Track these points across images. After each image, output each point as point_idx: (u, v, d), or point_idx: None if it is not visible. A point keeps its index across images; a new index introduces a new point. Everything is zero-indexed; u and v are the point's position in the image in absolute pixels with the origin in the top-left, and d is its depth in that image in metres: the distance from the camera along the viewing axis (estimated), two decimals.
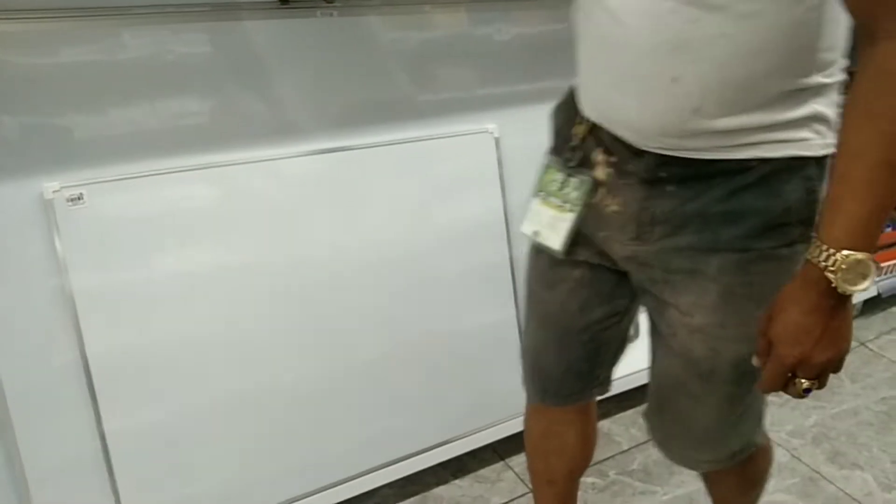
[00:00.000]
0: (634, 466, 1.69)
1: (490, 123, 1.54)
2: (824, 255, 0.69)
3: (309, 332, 1.41)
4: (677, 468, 1.66)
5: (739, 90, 0.75)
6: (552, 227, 0.95)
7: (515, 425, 1.67)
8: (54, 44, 1.15)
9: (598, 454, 1.72)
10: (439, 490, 1.63)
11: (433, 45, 1.47)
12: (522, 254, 1.60)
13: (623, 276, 0.97)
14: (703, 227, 0.83)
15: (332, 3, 1.33)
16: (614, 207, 0.89)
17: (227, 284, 1.32)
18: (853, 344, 2.18)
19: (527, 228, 1.00)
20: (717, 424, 0.97)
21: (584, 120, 0.90)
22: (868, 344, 2.24)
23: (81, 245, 1.19)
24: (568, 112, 0.94)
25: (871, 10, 0.67)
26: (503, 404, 1.65)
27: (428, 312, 1.53)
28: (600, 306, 1.00)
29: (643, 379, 1.80)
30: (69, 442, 1.26)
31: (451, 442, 1.59)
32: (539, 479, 1.25)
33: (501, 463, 1.70)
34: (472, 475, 1.67)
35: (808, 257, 0.71)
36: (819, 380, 0.75)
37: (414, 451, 1.55)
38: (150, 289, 1.26)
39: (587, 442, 1.20)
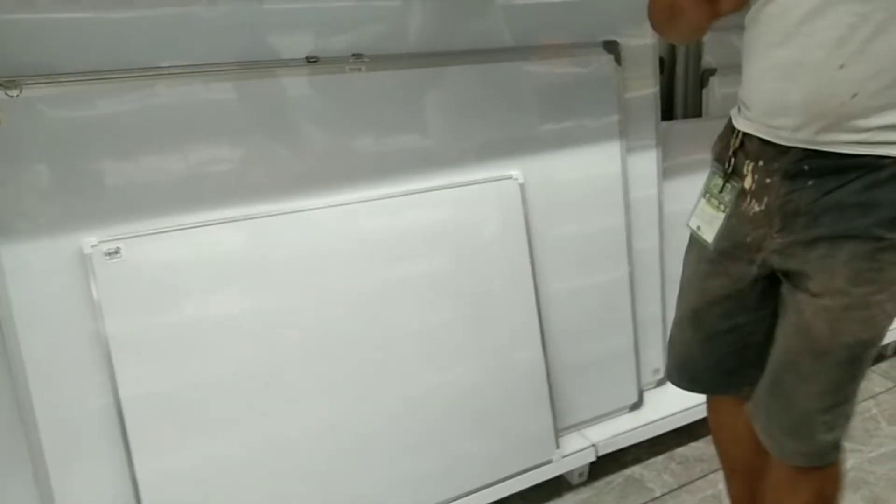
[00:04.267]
0: None
1: (514, 170, 1.57)
2: None
3: (335, 376, 1.42)
4: None
5: (892, 85, 0.89)
6: (709, 223, 1.12)
7: (543, 473, 1.66)
8: (93, 101, 1.20)
9: (630, 501, 1.70)
10: None
11: (456, 96, 1.51)
12: (547, 296, 1.62)
13: (768, 284, 1.09)
14: (839, 216, 0.96)
15: (360, 58, 1.37)
16: (758, 209, 1.04)
17: (258, 330, 1.34)
18: (888, 384, 2.15)
19: (692, 223, 1.17)
20: (815, 408, 1.04)
21: (738, 134, 1.06)
22: None
23: (117, 294, 1.22)
24: (727, 130, 1.12)
25: None
26: (530, 451, 1.64)
27: (453, 354, 1.53)
28: (745, 314, 1.14)
29: (674, 423, 1.81)
30: (102, 485, 1.27)
31: (480, 490, 1.57)
32: (725, 469, 1.40)
33: None
34: None
35: None
36: None
37: (443, 499, 1.54)
38: (183, 334, 1.28)
39: (733, 436, 1.31)
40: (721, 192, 1.11)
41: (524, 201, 1.57)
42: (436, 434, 1.53)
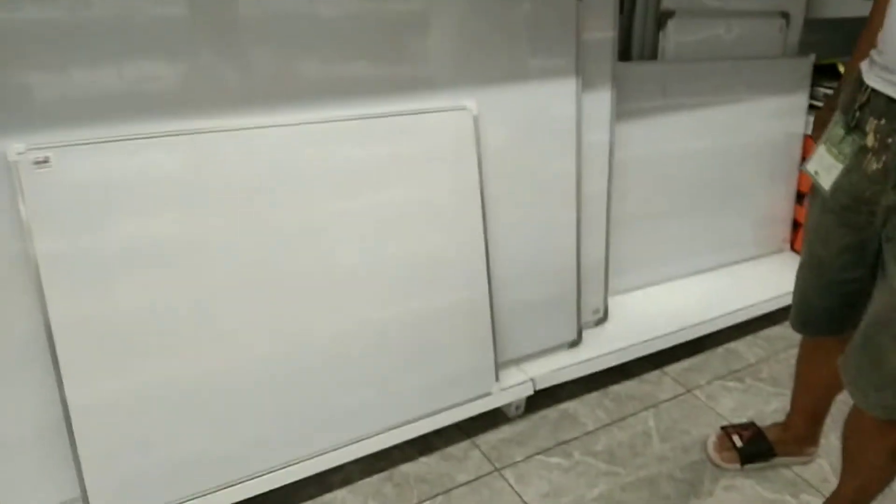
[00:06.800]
0: (599, 448, 1.71)
1: (468, 101, 1.53)
2: None
3: (274, 308, 1.39)
4: (640, 450, 1.70)
5: None
6: (827, 171, 1.17)
7: (482, 405, 1.68)
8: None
9: (564, 435, 1.76)
10: (406, 467, 1.63)
11: (412, 16, 1.46)
12: (495, 235, 1.62)
13: (880, 243, 1.15)
14: None
15: None
16: (877, 166, 1.08)
17: (193, 256, 1.30)
18: None
19: (810, 167, 1.23)
20: None
21: (866, 89, 1.09)
22: None
23: (46, 208, 1.16)
24: (856, 82, 1.14)
25: None
26: (470, 384, 1.66)
27: (396, 289, 1.52)
28: (860, 267, 1.21)
29: (609, 362, 1.86)
30: (31, 410, 1.24)
31: (418, 420, 1.59)
32: (800, 381, 1.58)
33: (468, 441, 1.71)
34: (438, 453, 1.68)
35: None
36: None
37: (381, 428, 1.55)
38: (116, 255, 1.23)
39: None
40: (841, 142, 1.14)
41: (477, 135, 1.54)
42: (376, 367, 1.53)
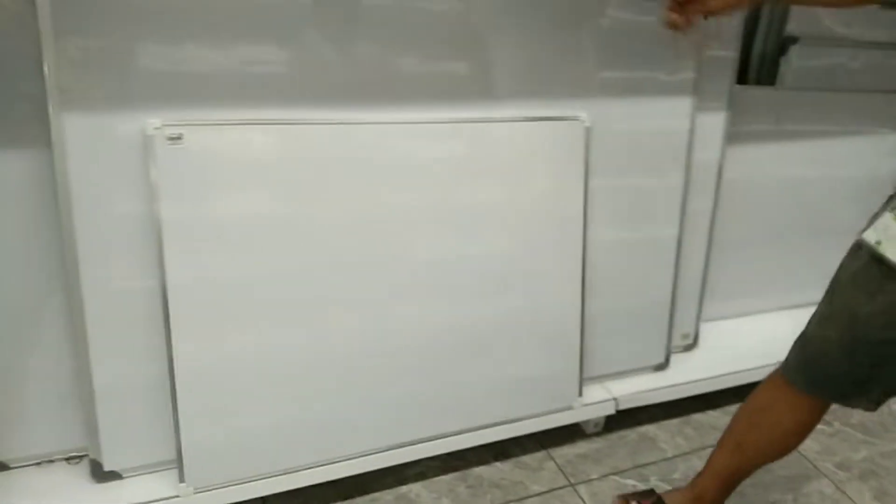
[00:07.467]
0: (676, 476, 1.67)
1: (581, 112, 1.52)
2: None
3: (371, 295, 1.42)
4: None
5: None
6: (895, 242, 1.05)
7: (562, 418, 1.67)
8: None
9: (641, 458, 1.72)
10: (480, 470, 1.63)
11: (530, 27, 1.45)
12: (592, 245, 1.60)
13: None
14: None
15: None
16: None
17: (298, 235, 1.33)
18: None
19: (870, 237, 1.08)
20: None
21: None
22: None
23: (174, 180, 1.21)
24: None
25: None
26: (552, 395, 1.65)
27: (492, 289, 1.52)
28: None
29: (695, 390, 1.81)
30: (139, 362, 1.30)
31: (498, 425, 1.59)
32: (730, 440, 1.35)
33: (543, 452, 1.70)
34: (513, 460, 1.67)
35: None
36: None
37: (460, 428, 1.56)
38: (235, 229, 1.28)
39: (798, 437, 1.29)
40: None
41: (587, 145, 1.53)
42: (464, 366, 1.53)
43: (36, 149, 1.18)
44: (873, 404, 1.18)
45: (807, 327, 1.23)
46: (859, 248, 1.11)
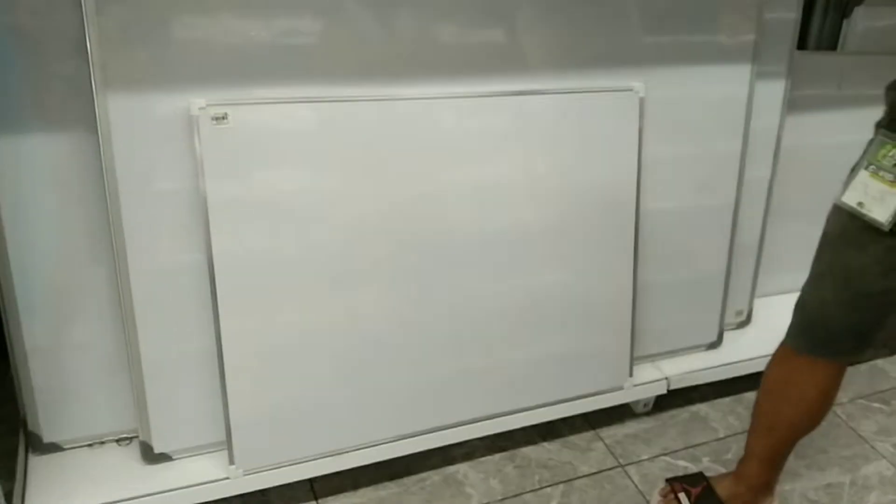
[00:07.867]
0: (729, 456, 1.63)
1: (635, 82, 1.45)
2: None
3: (419, 273, 1.39)
4: None
5: None
6: (881, 200, 1.00)
7: (613, 398, 1.64)
8: None
9: (693, 438, 1.68)
10: (527, 450, 1.61)
11: None
12: (645, 216, 1.54)
13: None
14: None
15: None
16: None
17: (341, 210, 1.30)
18: None
19: (850, 199, 1.04)
20: None
21: None
22: None
23: (218, 156, 1.19)
24: None
25: None
26: (603, 375, 1.61)
27: (540, 269, 1.48)
28: None
29: (748, 368, 1.75)
30: (187, 335, 1.29)
31: (547, 406, 1.56)
32: (761, 422, 1.32)
33: (592, 432, 1.67)
34: (561, 440, 1.64)
35: None
36: None
37: (510, 409, 1.53)
38: (280, 206, 1.26)
39: (825, 403, 1.24)
40: None
41: (641, 116, 1.46)
42: (509, 343, 1.50)
43: (80, 128, 1.17)
44: (887, 349, 1.16)
45: (802, 291, 1.20)
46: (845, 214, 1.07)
